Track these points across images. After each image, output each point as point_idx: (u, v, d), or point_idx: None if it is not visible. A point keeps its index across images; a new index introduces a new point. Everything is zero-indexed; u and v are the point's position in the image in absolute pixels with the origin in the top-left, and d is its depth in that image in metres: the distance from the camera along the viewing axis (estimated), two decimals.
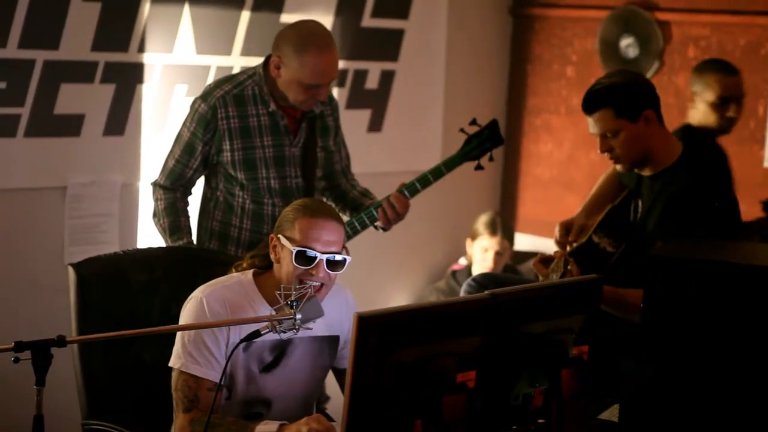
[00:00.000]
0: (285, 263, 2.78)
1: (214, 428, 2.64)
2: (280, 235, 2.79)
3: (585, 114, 3.36)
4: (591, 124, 3.36)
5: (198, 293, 2.80)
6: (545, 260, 3.45)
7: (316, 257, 2.74)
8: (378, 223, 3.60)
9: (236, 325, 2.73)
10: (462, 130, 3.64)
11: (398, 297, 5.18)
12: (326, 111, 3.65)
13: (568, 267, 3.33)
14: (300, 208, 2.81)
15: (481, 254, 5.05)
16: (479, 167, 3.65)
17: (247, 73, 3.58)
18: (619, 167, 3.42)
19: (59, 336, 2.35)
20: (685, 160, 3.39)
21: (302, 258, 2.74)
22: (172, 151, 3.59)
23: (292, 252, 2.74)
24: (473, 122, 3.64)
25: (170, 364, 2.77)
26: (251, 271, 2.88)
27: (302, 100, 3.47)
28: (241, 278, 2.85)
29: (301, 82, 3.42)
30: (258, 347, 2.79)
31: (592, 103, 3.33)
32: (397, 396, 2.14)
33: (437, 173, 3.60)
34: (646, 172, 3.40)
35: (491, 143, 3.64)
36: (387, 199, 3.56)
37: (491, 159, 3.67)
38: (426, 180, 3.60)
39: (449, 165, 3.62)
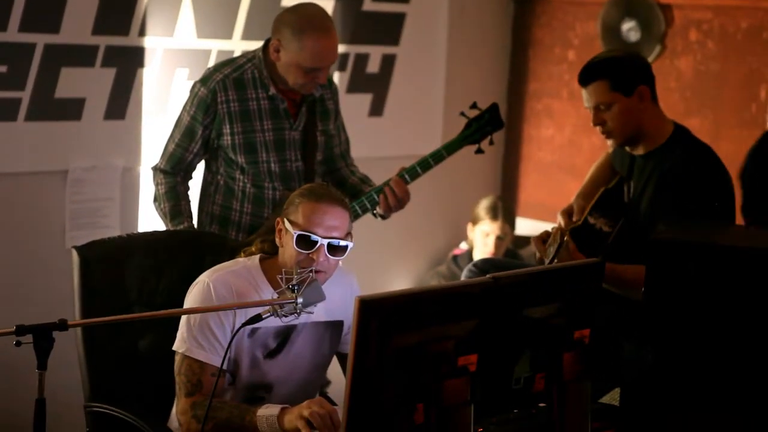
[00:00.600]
0: (287, 247, 2.78)
1: (216, 412, 2.65)
2: (285, 219, 2.80)
3: (581, 86, 3.39)
4: (585, 97, 3.40)
5: (204, 278, 2.81)
6: (543, 238, 3.48)
7: (317, 242, 2.74)
8: (378, 210, 3.60)
9: (237, 309, 2.73)
10: (462, 114, 3.65)
11: (399, 281, 5.19)
12: (326, 95, 3.64)
13: (564, 239, 3.36)
14: (305, 193, 2.82)
15: (482, 239, 5.05)
16: (479, 151, 3.66)
17: (247, 56, 3.58)
18: (610, 143, 3.46)
19: (60, 320, 2.36)
20: (677, 139, 3.41)
21: (303, 242, 2.74)
22: (172, 135, 3.59)
23: (293, 236, 2.74)
24: (474, 106, 3.65)
25: (174, 348, 2.78)
26: (258, 256, 2.89)
27: (302, 84, 3.47)
28: (247, 263, 2.86)
29: (300, 65, 3.41)
30: (263, 334, 2.80)
31: (588, 74, 3.38)
32: (399, 380, 2.14)
33: (438, 157, 3.60)
34: (639, 151, 3.43)
35: (492, 127, 3.65)
36: (387, 185, 3.55)
37: (491, 143, 3.68)
38: (426, 164, 3.59)
39: (450, 148, 3.62)
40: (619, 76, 3.34)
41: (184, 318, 2.79)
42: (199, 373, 2.73)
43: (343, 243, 2.78)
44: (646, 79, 3.39)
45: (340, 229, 2.78)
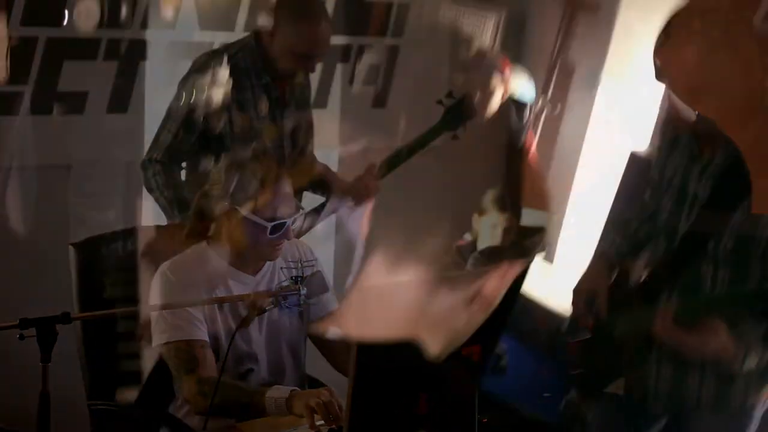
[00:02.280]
0: (245, 235, 2.79)
1: (224, 390, 2.66)
2: (238, 208, 2.78)
3: None
4: None
5: (159, 268, 2.85)
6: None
7: (286, 224, 2.78)
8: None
9: (236, 301, 2.77)
10: (440, 102, 3.78)
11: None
12: (305, 82, 3.72)
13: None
14: (256, 179, 2.80)
15: (489, 230, 5.04)
16: (455, 137, 3.83)
17: (236, 46, 3.61)
18: None
19: (63, 313, 2.35)
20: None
21: (277, 229, 2.78)
22: (165, 126, 3.58)
23: (267, 228, 2.75)
24: (449, 94, 3.77)
25: (155, 343, 2.79)
26: (204, 242, 2.89)
27: (291, 69, 3.51)
28: (197, 247, 2.90)
29: (292, 50, 3.44)
30: (229, 304, 2.82)
31: None
32: (402, 370, 2.13)
33: (421, 143, 3.74)
34: None
35: (467, 115, 3.85)
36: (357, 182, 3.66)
37: (464, 129, 3.88)
38: (411, 150, 3.76)
39: (431, 135, 3.80)
40: None
41: (152, 315, 2.80)
42: (187, 349, 2.76)
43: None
44: None
45: (292, 196, 2.81)
